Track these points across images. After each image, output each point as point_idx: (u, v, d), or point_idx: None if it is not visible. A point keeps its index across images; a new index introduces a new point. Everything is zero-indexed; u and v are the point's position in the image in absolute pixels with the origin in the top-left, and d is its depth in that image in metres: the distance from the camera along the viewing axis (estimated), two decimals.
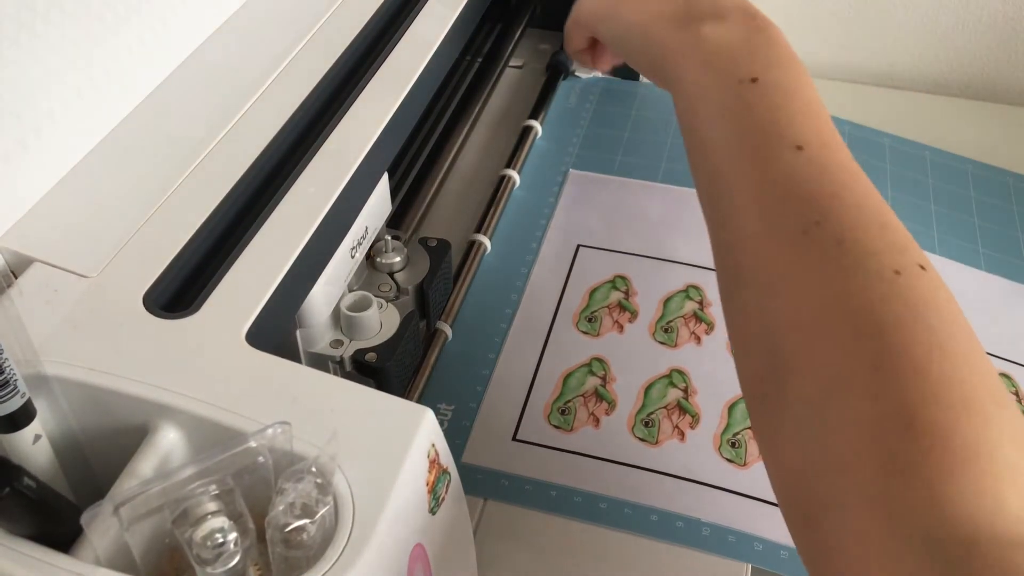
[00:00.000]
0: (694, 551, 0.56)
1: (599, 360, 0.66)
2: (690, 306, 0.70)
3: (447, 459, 0.40)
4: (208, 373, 0.39)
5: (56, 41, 0.46)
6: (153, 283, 0.43)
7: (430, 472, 0.38)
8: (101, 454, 0.40)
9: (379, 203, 0.59)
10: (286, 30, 0.60)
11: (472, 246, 0.73)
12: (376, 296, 0.58)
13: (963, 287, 0.73)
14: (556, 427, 0.62)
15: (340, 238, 0.53)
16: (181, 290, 0.44)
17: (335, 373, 0.56)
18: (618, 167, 0.83)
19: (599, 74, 0.95)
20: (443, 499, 0.40)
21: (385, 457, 0.36)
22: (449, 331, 0.67)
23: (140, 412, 0.38)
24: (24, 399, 0.35)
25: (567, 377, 0.65)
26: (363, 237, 0.57)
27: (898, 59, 0.97)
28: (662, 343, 0.68)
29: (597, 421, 0.62)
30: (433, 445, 0.38)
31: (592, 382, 0.65)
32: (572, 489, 0.59)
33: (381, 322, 0.57)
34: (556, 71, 0.93)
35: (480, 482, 0.59)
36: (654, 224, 0.77)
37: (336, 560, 0.33)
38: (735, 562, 0.56)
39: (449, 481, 0.40)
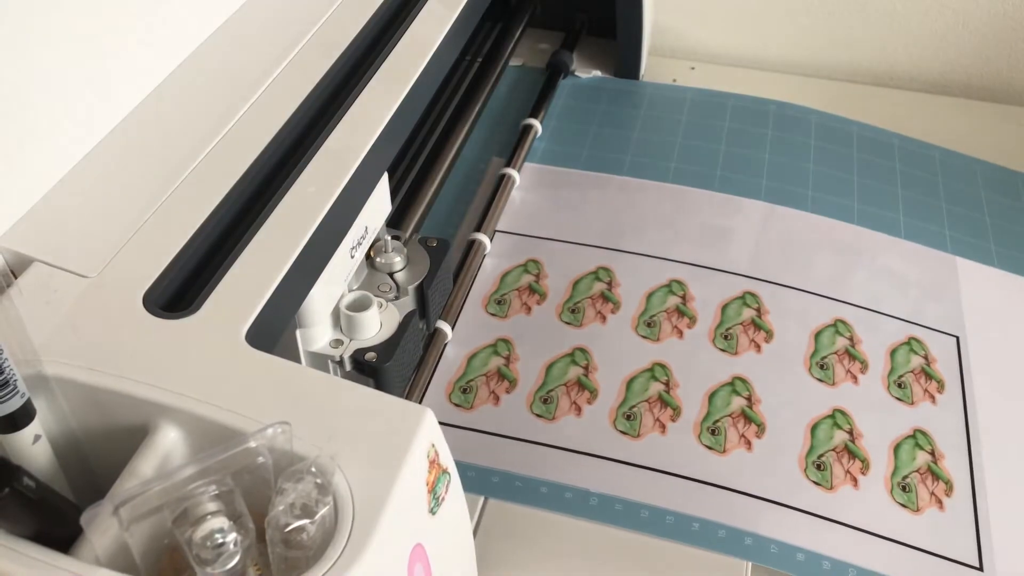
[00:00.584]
0: (689, 548, 0.56)
1: (582, 350, 0.67)
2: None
3: (447, 459, 0.40)
4: (208, 373, 0.39)
5: (56, 41, 0.46)
6: (153, 283, 0.43)
7: (430, 472, 0.38)
8: (101, 454, 0.40)
9: (379, 203, 0.59)
10: (286, 30, 0.60)
11: (472, 245, 0.73)
12: (376, 296, 0.58)
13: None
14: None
15: (340, 238, 0.53)
16: (181, 290, 0.44)
17: (335, 373, 0.56)
18: (613, 165, 0.84)
19: (599, 74, 0.95)
20: (443, 499, 0.40)
21: (385, 457, 0.36)
22: (449, 331, 0.67)
23: (140, 412, 0.38)
24: (24, 399, 0.35)
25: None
26: (363, 237, 0.57)
27: (898, 59, 0.97)
28: (644, 337, 0.68)
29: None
30: (433, 445, 0.38)
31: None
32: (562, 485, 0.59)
33: (381, 322, 0.57)
34: (556, 71, 0.93)
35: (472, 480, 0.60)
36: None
37: (336, 560, 0.33)
38: (735, 560, 0.56)
39: (449, 481, 0.40)
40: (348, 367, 0.56)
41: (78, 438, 0.40)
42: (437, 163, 0.76)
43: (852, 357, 0.68)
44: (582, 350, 0.67)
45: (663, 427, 0.62)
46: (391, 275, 0.60)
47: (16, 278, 0.44)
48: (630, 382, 0.65)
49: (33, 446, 0.36)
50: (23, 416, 0.35)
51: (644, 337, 0.68)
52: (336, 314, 0.56)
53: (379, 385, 0.56)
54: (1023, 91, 0.95)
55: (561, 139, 0.86)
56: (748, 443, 0.62)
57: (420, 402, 0.63)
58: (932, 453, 0.62)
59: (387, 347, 0.56)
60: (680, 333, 0.69)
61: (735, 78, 0.96)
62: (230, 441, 0.34)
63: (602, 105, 0.91)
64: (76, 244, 0.45)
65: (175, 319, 0.42)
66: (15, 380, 0.34)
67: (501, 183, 0.79)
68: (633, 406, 0.64)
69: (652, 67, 0.96)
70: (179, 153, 0.50)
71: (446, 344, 0.67)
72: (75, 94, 0.48)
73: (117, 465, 0.36)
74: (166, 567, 0.35)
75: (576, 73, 0.95)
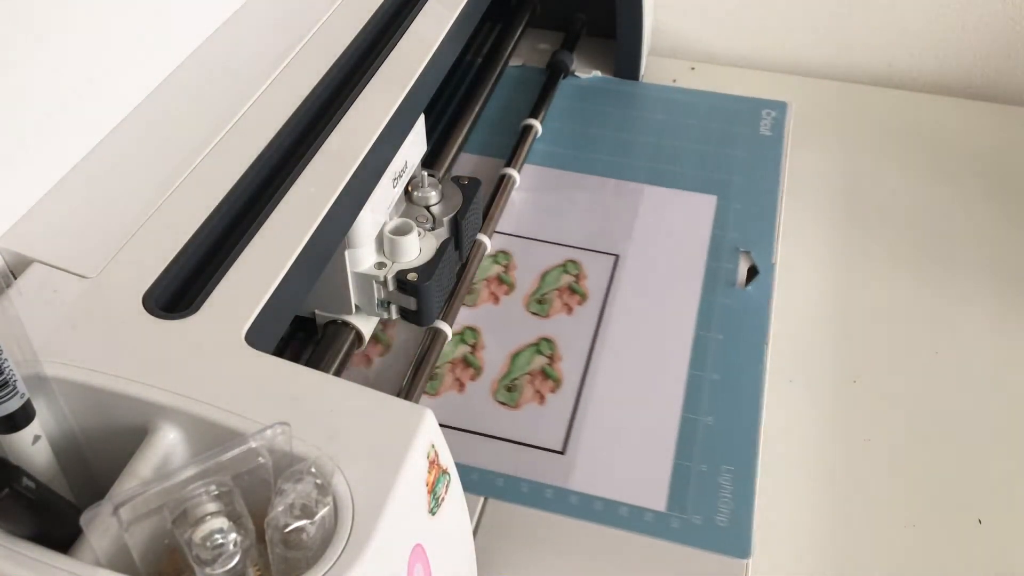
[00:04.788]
0: (689, 548, 0.56)
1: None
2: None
3: (447, 459, 0.40)
4: (208, 374, 0.39)
5: (56, 41, 0.46)
6: (153, 283, 0.43)
7: (430, 472, 0.38)
8: (101, 454, 0.40)
9: (416, 140, 0.63)
10: (286, 30, 0.60)
11: (472, 245, 0.73)
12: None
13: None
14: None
15: (382, 170, 0.57)
16: (181, 290, 0.44)
17: (378, 293, 0.62)
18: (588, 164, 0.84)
19: (599, 74, 0.95)
20: (443, 499, 0.40)
21: (385, 457, 0.36)
22: (449, 331, 0.67)
23: (140, 413, 0.38)
24: (23, 400, 0.35)
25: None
26: (403, 170, 0.62)
27: (898, 59, 0.97)
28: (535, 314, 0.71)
29: (542, 398, 0.66)
30: (433, 446, 0.38)
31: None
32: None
33: (420, 247, 0.62)
34: (556, 71, 0.93)
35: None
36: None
37: (336, 560, 0.33)
38: (735, 560, 0.56)
39: (449, 481, 0.40)
40: (391, 287, 0.61)
41: (78, 438, 0.40)
42: (437, 163, 0.76)
43: (501, 281, 0.73)
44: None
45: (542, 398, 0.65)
46: (428, 208, 0.65)
47: (16, 278, 0.44)
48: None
49: (33, 447, 0.36)
50: (23, 417, 0.35)
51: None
52: (380, 240, 0.61)
53: (420, 303, 0.62)
54: (1023, 91, 0.95)
55: (561, 140, 0.86)
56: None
57: (419, 401, 0.63)
58: (550, 357, 0.68)
59: (427, 268, 0.61)
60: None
61: (735, 78, 0.96)
62: (230, 442, 0.34)
63: (602, 106, 0.91)
64: (76, 244, 0.45)
65: (175, 319, 0.42)
66: (15, 380, 0.34)
67: (501, 183, 0.79)
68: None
69: (652, 67, 0.96)
70: (179, 153, 0.50)
71: (446, 342, 0.67)
72: (75, 94, 0.48)
73: (117, 465, 0.36)
74: (166, 568, 0.35)
75: (576, 73, 0.95)
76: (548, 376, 0.67)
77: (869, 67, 0.98)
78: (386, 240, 0.61)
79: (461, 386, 0.66)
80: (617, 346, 0.69)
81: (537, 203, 0.80)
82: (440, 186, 0.66)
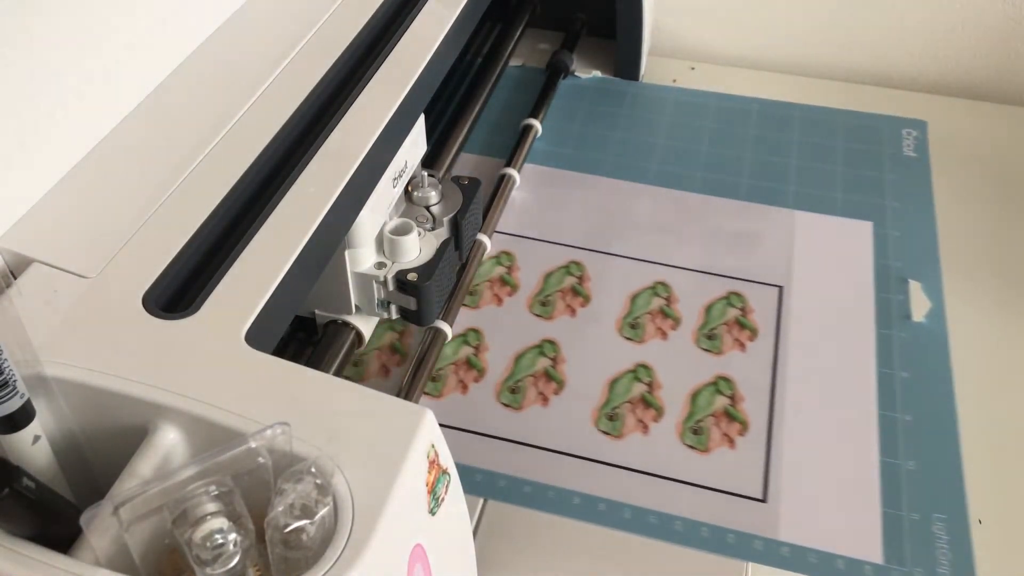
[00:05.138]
0: (689, 549, 0.56)
1: (550, 342, 0.69)
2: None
3: (447, 460, 0.40)
4: (207, 373, 0.39)
5: (56, 41, 0.46)
6: (152, 283, 0.43)
7: (430, 472, 0.38)
8: (101, 454, 0.40)
9: (416, 141, 0.63)
10: (286, 30, 0.60)
11: (472, 245, 0.73)
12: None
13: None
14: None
15: (382, 171, 0.57)
16: (180, 290, 0.44)
17: (378, 293, 0.62)
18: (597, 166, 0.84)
19: (599, 74, 0.95)
20: (443, 499, 0.40)
21: (385, 458, 0.36)
22: (449, 331, 0.67)
23: (140, 412, 0.38)
24: (24, 400, 0.35)
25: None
26: (403, 170, 0.62)
27: (898, 59, 0.97)
28: (628, 339, 0.69)
29: (546, 399, 0.65)
30: (433, 446, 0.38)
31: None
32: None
33: (420, 247, 0.62)
34: (556, 71, 0.93)
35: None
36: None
37: (336, 560, 0.33)
38: (735, 561, 0.56)
39: (449, 481, 0.40)
40: (391, 287, 0.61)
41: (78, 438, 0.40)
42: (437, 163, 0.76)
43: (665, 315, 0.70)
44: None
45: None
46: (428, 208, 0.65)
47: (16, 278, 0.43)
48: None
49: (33, 446, 0.36)
50: (23, 416, 0.35)
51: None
52: (380, 240, 0.61)
53: (420, 303, 0.61)
54: (1023, 91, 0.95)
55: (560, 140, 0.86)
56: (545, 399, 0.65)
57: (418, 402, 0.63)
58: (732, 397, 0.65)
59: (427, 268, 0.61)
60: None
61: (735, 78, 0.96)
62: (230, 442, 0.34)
63: (601, 106, 0.91)
64: (76, 244, 0.45)
65: (175, 319, 0.42)
66: (15, 380, 0.34)
67: (501, 183, 0.79)
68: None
69: (652, 67, 0.96)
70: (179, 153, 0.50)
71: (446, 342, 0.67)
72: (75, 94, 0.48)
73: (117, 465, 0.36)
74: (166, 568, 0.35)
75: (576, 73, 0.95)
76: (731, 418, 0.64)
77: (869, 67, 0.98)
78: (386, 240, 0.61)
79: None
80: (798, 384, 0.66)
81: (539, 201, 0.80)
82: (440, 186, 0.66)
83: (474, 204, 0.67)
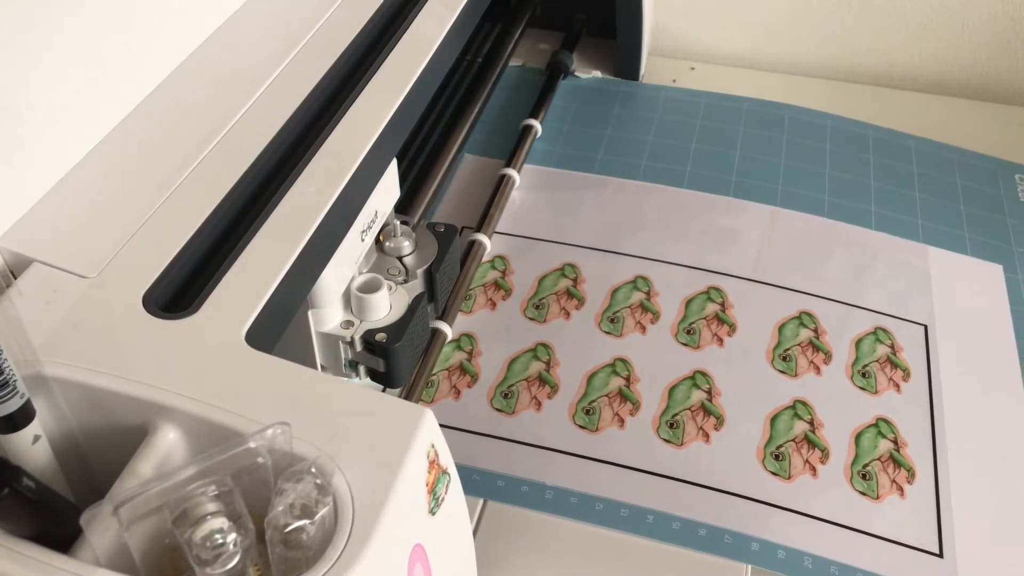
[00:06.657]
0: (688, 551, 0.56)
1: (545, 346, 0.68)
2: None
3: (447, 460, 0.40)
4: (208, 373, 0.39)
5: (56, 41, 0.46)
6: (152, 283, 0.43)
7: (430, 472, 0.38)
8: (101, 454, 0.40)
9: (388, 187, 0.59)
10: (286, 30, 0.60)
11: (472, 246, 0.73)
12: (386, 279, 0.59)
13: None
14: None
15: (350, 222, 0.53)
16: (180, 290, 0.44)
17: (345, 354, 0.57)
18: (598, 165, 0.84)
19: (599, 74, 0.95)
20: (443, 499, 0.40)
21: (385, 457, 0.36)
22: (449, 331, 0.67)
23: (140, 412, 0.38)
24: (23, 399, 0.35)
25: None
26: (373, 221, 0.58)
27: (898, 59, 0.97)
28: (607, 332, 0.69)
29: (622, 422, 0.63)
30: (433, 446, 0.38)
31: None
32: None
33: (391, 304, 0.58)
34: (556, 71, 0.93)
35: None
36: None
37: (336, 560, 0.33)
38: (735, 563, 0.56)
39: (449, 481, 0.40)
40: (359, 347, 0.57)
41: (78, 438, 0.39)
42: (437, 162, 0.76)
43: (816, 348, 0.68)
44: (545, 346, 0.69)
45: (622, 421, 0.63)
46: (400, 259, 0.61)
47: (16, 278, 0.43)
48: (591, 377, 0.66)
49: (33, 446, 0.36)
50: (23, 416, 0.35)
51: (607, 333, 0.69)
52: (347, 296, 0.57)
53: (389, 366, 0.57)
54: (1023, 91, 0.95)
55: (560, 141, 0.86)
56: (707, 435, 0.62)
57: (419, 401, 0.63)
58: (895, 441, 0.63)
59: (397, 328, 0.57)
60: (643, 329, 0.69)
61: (735, 78, 0.96)
62: (230, 442, 0.34)
63: (602, 106, 0.91)
64: (76, 244, 0.45)
65: (175, 319, 0.42)
66: (15, 380, 0.34)
67: (501, 183, 0.79)
68: (592, 400, 0.64)
69: (652, 67, 0.96)
70: (179, 153, 0.50)
71: (446, 342, 0.67)
72: (75, 94, 0.48)
73: (117, 465, 0.36)
74: (166, 567, 0.35)
75: (576, 73, 0.95)
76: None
77: (869, 67, 0.98)
78: (353, 298, 0.57)
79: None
80: (958, 430, 0.63)
81: (539, 201, 0.80)
82: (414, 235, 0.62)
83: (450, 254, 0.63)
